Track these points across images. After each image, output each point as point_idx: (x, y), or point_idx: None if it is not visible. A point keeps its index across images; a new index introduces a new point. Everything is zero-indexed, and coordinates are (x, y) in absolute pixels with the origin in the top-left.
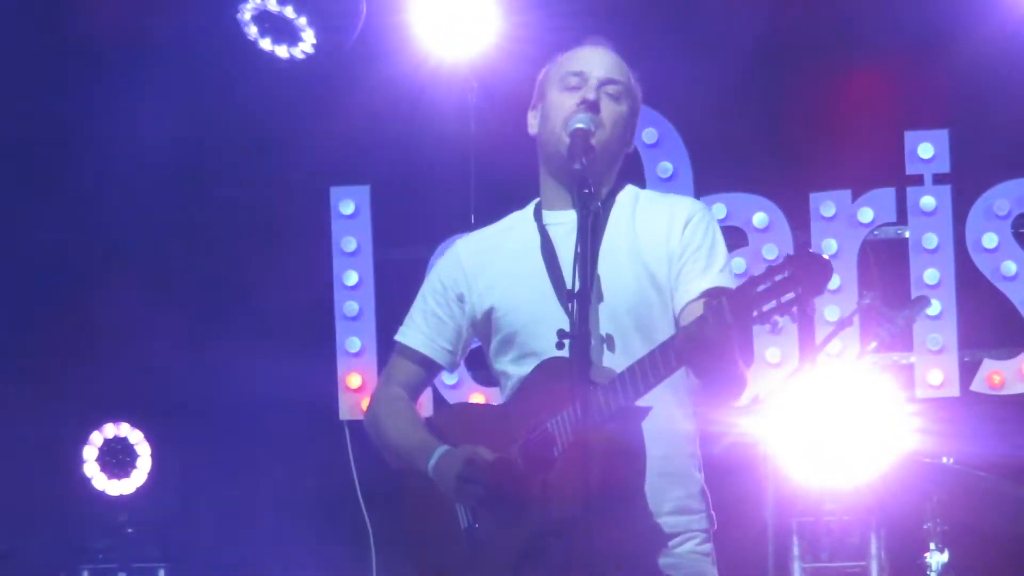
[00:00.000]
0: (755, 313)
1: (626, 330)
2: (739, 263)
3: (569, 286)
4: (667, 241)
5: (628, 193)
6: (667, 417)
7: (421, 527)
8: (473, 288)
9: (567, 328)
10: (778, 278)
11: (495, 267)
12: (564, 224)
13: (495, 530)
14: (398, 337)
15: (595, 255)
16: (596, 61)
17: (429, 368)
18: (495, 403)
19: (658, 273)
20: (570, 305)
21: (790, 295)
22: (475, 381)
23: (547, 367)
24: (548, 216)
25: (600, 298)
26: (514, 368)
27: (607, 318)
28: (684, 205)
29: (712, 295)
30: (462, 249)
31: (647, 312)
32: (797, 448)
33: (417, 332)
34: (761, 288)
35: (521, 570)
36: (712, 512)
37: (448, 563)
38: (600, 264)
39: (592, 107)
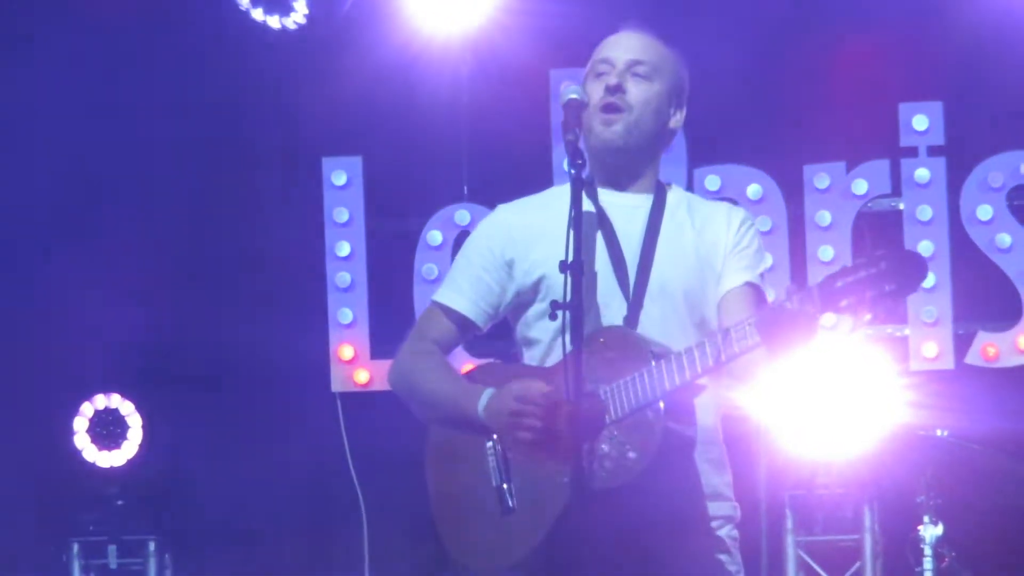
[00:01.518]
0: (843, 303)
1: (680, 319)
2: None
3: (630, 263)
4: (724, 240)
5: (678, 193)
6: (707, 402)
7: (447, 486)
8: (526, 256)
9: (627, 301)
10: (871, 271)
11: (548, 237)
12: (618, 205)
13: (531, 489)
14: (438, 298)
15: (652, 246)
16: (622, 45)
17: (465, 329)
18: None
19: (712, 269)
20: (565, 276)
21: (883, 289)
22: (468, 353)
23: (601, 335)
24: (603, 194)
25: (658, 284)
26: (554, 336)
27: (662, 303)
28: (738, 212)
29: (752, 289)
30: (510, 216)
31: (700, 304)
32: (791, 422)
33: (460, 294)
34: (854, 278)
35: (555, 536)
36: (737, 503)
37: (475, 525)
38: (658, 254)
39: (614, 91)
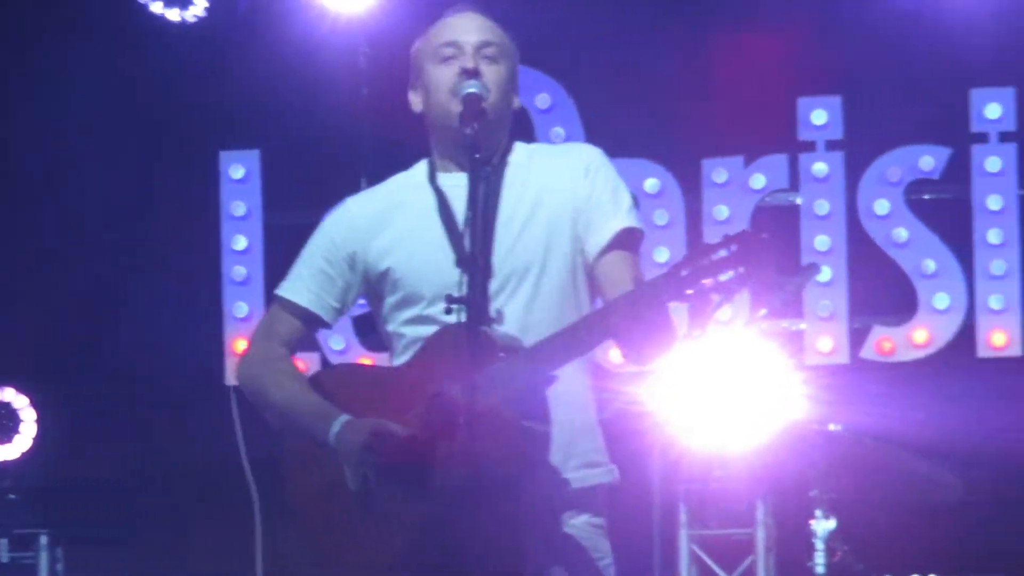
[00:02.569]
0: (690, 291)
1: (530, 291)
2: None
3: (474, 246)
4: (572, 192)
5: (520, 151)
6: (577, 373)
7: (306, 489)
8: (369, 247)
9: (475, 288)
10: (718, 256)
11: (392, 227)
12: (460, 186)
13: (389, 494)
14: (282, 292)
15: (492, 221)
16: (467, 27)
17: (311, 324)
18: (385, 365)
19: (563, 227)
20: (461, 272)
21: (730, 274)
22: (363, 347)
23: (449, 332)
24: (443, 178)
25: (502, 261)
26: (411, 330)
27: (509, 280)
28: (581, 153)
29: (623, 236)
30: (354, 208)
31: (554, 269)
32: (685, 415)
33: (304, 288)
34: (700, 265)
35: (418, 537)
36: (613, 465)
37: (337, 525)
38: (500, 227)
39: (473, 74)
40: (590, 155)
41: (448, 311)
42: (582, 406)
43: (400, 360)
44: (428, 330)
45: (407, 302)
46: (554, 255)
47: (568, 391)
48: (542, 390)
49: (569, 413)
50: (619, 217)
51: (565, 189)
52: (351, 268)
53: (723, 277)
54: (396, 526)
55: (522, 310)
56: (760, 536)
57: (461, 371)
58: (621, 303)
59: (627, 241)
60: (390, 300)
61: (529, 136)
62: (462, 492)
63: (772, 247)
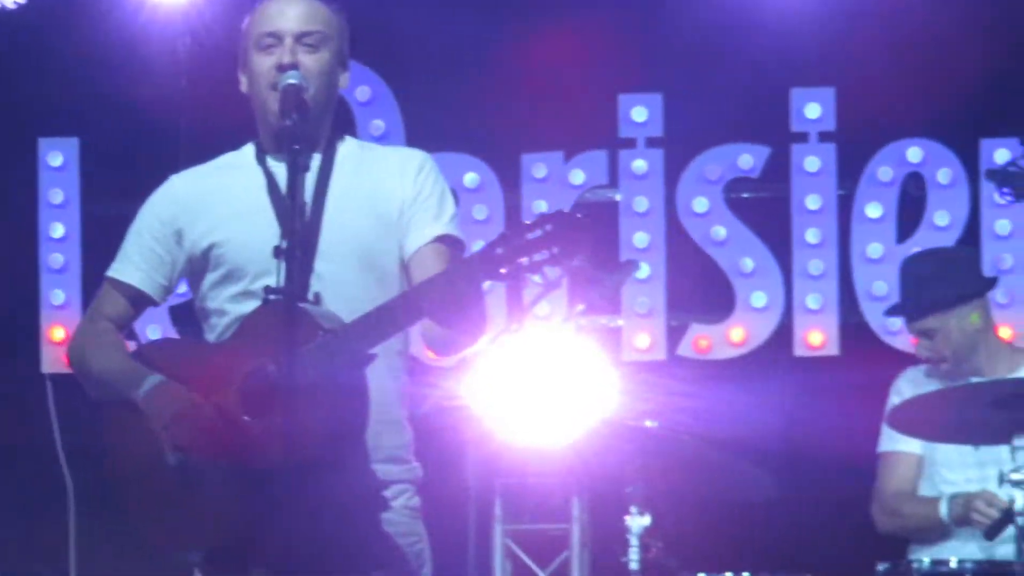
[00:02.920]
0: (503, 270)
1: (355, 276)
2: None
3: (300, 228)
4: (400, 189)
5: (351, 144)
6: (388, 364)
7: (125, 464)
8: (194, 224)
9: (299, 269)
10: (532, 236)
11: (218, 204)
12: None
13: (204, 471)
14: (112, 273)
15: (320, 204)
16: (288, 16)
17: (141, 303)
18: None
19: (389, 221)
20: (278, 260)
21: (544, 254)
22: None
23: (271, 308)
24: (271, 159)
25: (329, 244)
26: (233, 306)
27: (335, 263)
28: (414, 155)
29: (443, 242)
30: (179, 185)
31: (378, 259)
32: (502, 410)
33: (133, 268)
34: (514, 245)
35: (238, 512)
36: (418, 464)
37: (155, 501)
38: (328, 212)
39: (289, 68)
40: (422, 160)
41: (270, 290)
42: (390, 402)
43: (221, 337)
44: (251, 306)
45: (230, 278)
46: (379, 245)
47: (377, 386)
48: (361, 369)
49: (377, 405)
50: (441, 223)
51: (395, 187)
52: (178, 244)
53: (538, 257)
54: (211, 504)
55: (344, 294)
56: (575, 532)
57: (279, 348)
58: (437, 280)
59: (444, 248)
60: (212, 276)
61: (349, 128)
62: (277, 470)
63: (586, 227)
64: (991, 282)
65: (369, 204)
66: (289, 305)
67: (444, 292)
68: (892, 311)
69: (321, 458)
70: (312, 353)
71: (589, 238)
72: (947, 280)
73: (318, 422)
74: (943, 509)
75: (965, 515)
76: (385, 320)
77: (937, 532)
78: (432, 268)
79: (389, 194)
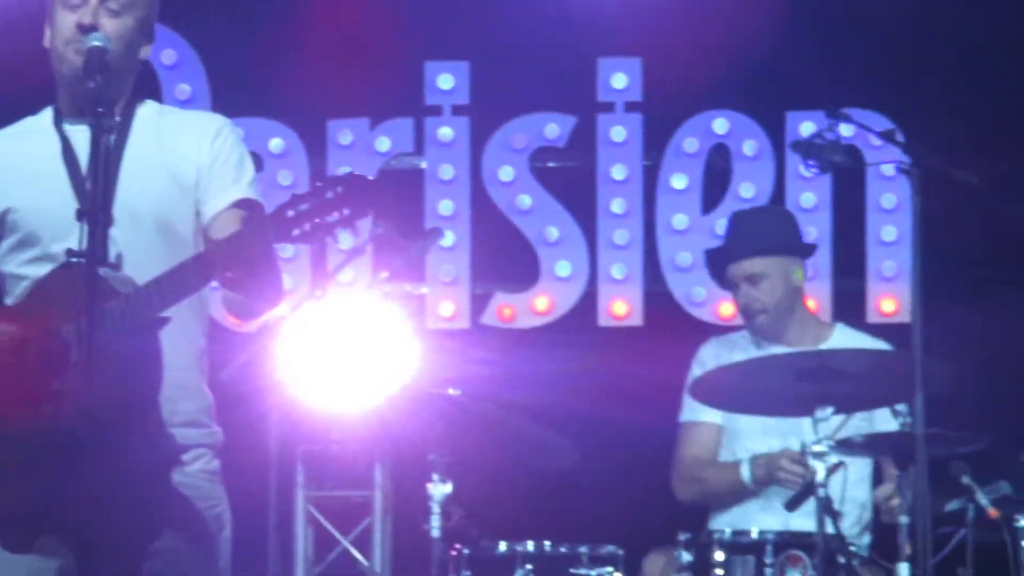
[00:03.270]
0: (296, 231)
1: (151, 241)
2: None
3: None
4: (197, 154)
5: (150, 108)
6: (183, 329)
7: None
8: None
9: (83, 235)
10: (324, 197)
11: (13, 170)
12: (85, 133)
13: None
14: None
15: (116, 168)
16: None
17: None
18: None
19: (186, 185)
20: (80, 224)
21: (335, 216)
22: None
23: (64, 271)
24: (68, 124)
25: (124, 209)
26: (29, 270)
27: (130, 228)
28: (212, 119)
29: (242, 206)
30: None
31: (175, 224)
32: (305, 376)
33: None
34: (306, 206)
35: (31, 476)
36: (218, 428)
37: None
38: (124, 176)
39: (87, 29)
40: (220, 124)
41: (72, 253)
42: (186, 366)
43: (17, 298)
44: (47, 270)
45: (26, 243)
46: (176, 210)
47: (172, 351)
48: (155, 332)
49: (172, 371)
50: (239, 187)
51: (192, 151)
52: None
53: (329, 219)
54: (2, 468)
55: (139, 259)
56: (377, 498)
57: (74, 311)
58: (229, 242)
59: (243, 213)
60: (9, 241)
61: (155, 92)
62: (70, 434)
63: (377, 189)
64: (811, 248)
65: (166, 169)
66: (87, 268)
67: (236, 254)
68: (717, 253)
69: (114, 422)
70: (105, 316)
71: (380, 200)
72: (779, 229)
73: (111, 386)
74: (745, 471)
75: (768, 475)
76: (177, 282)
77: (738, 497)
78: (230, 231)
79: (186, 158)
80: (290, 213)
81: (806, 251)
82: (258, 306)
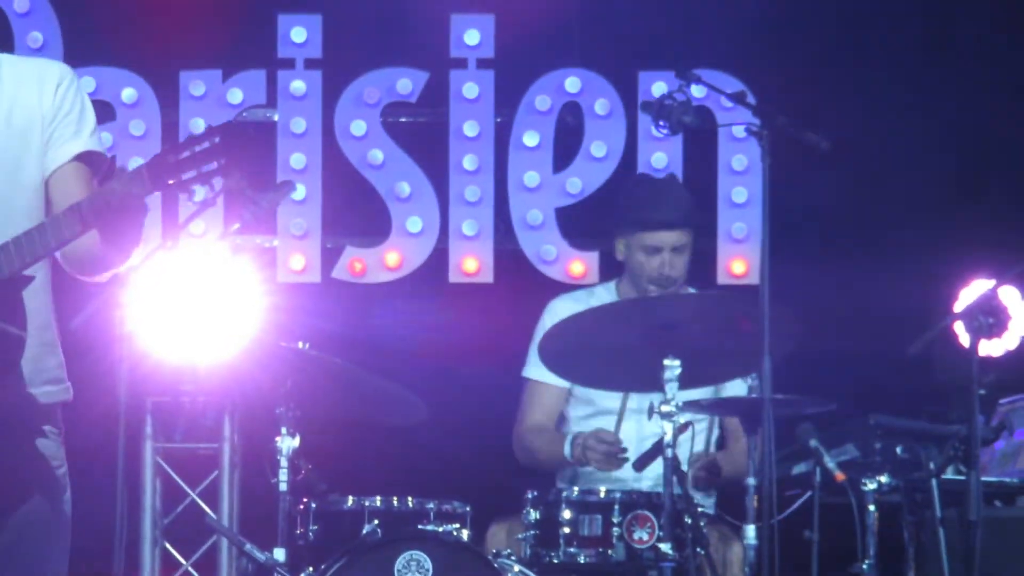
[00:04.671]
0: (172, 181)
1: (4, 201)
2: (107, 137)
3: None
4: (39, 104)
5: None
6: (43, 284)
7: None
8: None
9: None
10: (201, 147)
11: None
12: None
13: None
14: None
15: None
16: None
17: None
18: None
19: (31, 137)
20: None
21: (212, 165)
22: None
23: None
24: None
25: None
26: None
27: None
28: (54, 69)
29: (83, 159)
30: None
31: (20, 175)
32: (155, 327)
33: None
34: (183, 155)
35: None
36: (69, 383)
37: None
38: None
39: None
40: (61, 73)
41: None
42: (46, 323)
43: None
44: None
45: None
46: (25, 165)
47: (34, 308)
48: (17, 291)
49: (37, 328)
50: (81, 140)
51: (33, 103)
52: None
53: (206, 168)
54: None
55: None
56: (225, 451)
57: None
58: (105, 192)
59: (87, 163)
60: None
61: (7, 40)
62: None
63: (253, 140)
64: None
65: (8, 121)
66: None
67: (111, 204)
68: (636, 218)
69: None
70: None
71: (254, 151)
72: (692, 202)
73: None
74: (567, 448)
75: (584, 454)
76: (49, 236)
77: (567, 469)
78: (72, 187)
79: (27, 109)
80: (169, 159)
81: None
82: (114, 259)
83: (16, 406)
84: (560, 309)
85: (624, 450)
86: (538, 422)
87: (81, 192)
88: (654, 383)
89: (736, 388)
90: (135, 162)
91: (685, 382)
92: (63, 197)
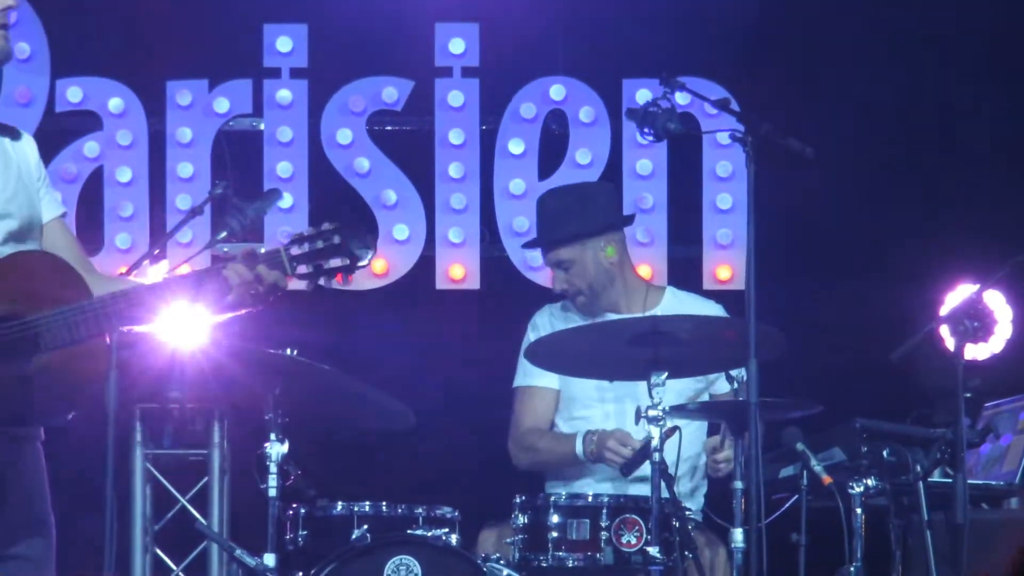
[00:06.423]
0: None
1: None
2: (92, 147)
3: None
4: (37, 165)
5: None
6: None
7: None
8: None
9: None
10: (326, 244)
11: None
12: None
13: None
14: None
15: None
16: None
17: None
18: None
19: (34, 193)
20: None
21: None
22: None
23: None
24: None
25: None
26: None
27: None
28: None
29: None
30: None
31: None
32: (144, 333)
33: None
34: (307, 249)
35: None
36: None
37: None
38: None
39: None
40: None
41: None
42: None
43: None
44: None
45: None
46: (33, 213)
47: None
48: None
49: None
50: (57, 201)
51: (32, 158)
52: None
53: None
54: None
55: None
56: (215, 457)
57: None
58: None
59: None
60: None
61: None
62: None
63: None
64: (626, 218)
65: (20, 175)
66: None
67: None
68: (529, 244)
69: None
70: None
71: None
72: (581, 213)
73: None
74: (578, 445)
75: (599, 452)
76: (120, 310)
77: (571, 468)
78: (59, 243)
79: (29, 167)
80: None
81: (617, 224)
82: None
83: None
84: (541, 325)
85: (646, 456)
86: (533, 424)
87: (62, 242)
88: (640, 374)
89: (723, 386)
90: (123, 173)
91: (671, 375)
92: (51, 246)
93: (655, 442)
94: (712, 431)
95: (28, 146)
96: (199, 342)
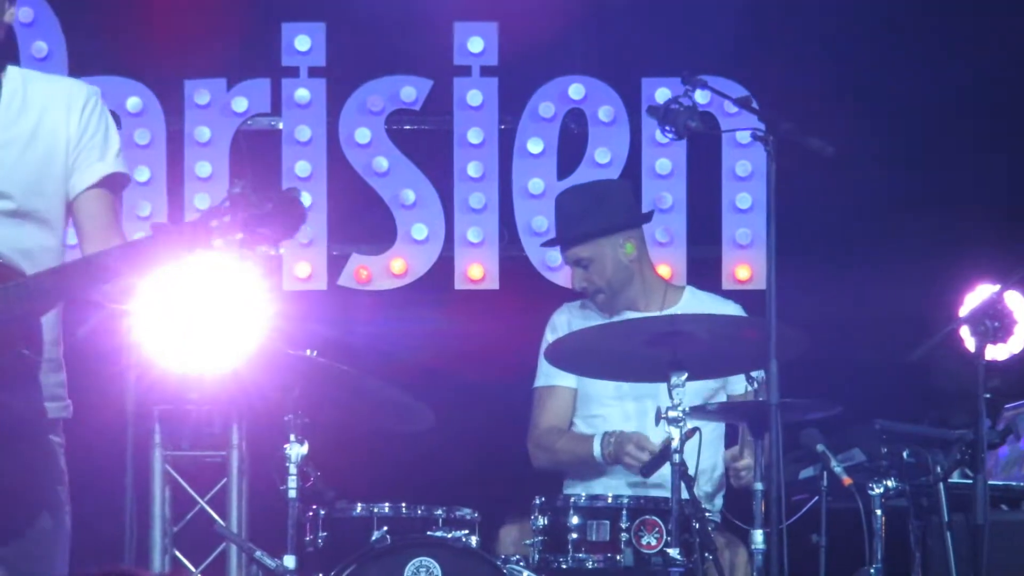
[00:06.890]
0: (217, 242)
1: (23, 218)
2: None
3: None
4: (65, 126)
5: (14, 75)
6: (49, 313)
7: None
8: None
9: None
10: (249, 213)
11: None
12: None
13: None
14: None
15: None
16: None
17: None
18: None
19: (58, 159)
20: None
21: (257, 232)
22: None
23: None
24: None
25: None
26: None
27: (4, 202)
28: (80, 91)
29: (107, 181)
30: None
31: (42, 198)
32: (162, 334)
33: None
34: (228, 219)
35: None
36: (69, 400)
37: None
38: None
39: None
40: (87, 95)
41: None
42: (52, 340)
43: None
44: None
45: None
46: (48, 185)
47: (44, 323)
48: (37, 317)
49: (45, 344)
50: (107, 161)
51: (60, 125)
52: None
53: (256, 234)
54: None
55: (14, 235)
56: (234, 459)
57: None
58: (132, 247)
59: (111, 184)
60: None
61: (11, 49)
62: None
63: (303, 214)
64: (645, 215)
65: (37, 143)
66: None
67: (150, 255)
68: (548, 243)
69: None
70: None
71: (302, 223)
72: (599, 211)
73: None
74: (596, 447)
75: (617, 454)
76: (73, 280)
77: (590, 469)
78: (96, 213)
79: (54, 130)
80: (213, 223)
81: (635, 222)
82: (128, 297)
83: (24, 419)
84: (560, 325)
85: (665, 458)
86: (552, 424)
87: (105, 216)
88: (659, 375)
89: (741, 385)
90: (140, 172)
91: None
92: (88, 220)
93: (675, 443)
94: (728, 432)
95: (61, 109)
96: (216, 343)
